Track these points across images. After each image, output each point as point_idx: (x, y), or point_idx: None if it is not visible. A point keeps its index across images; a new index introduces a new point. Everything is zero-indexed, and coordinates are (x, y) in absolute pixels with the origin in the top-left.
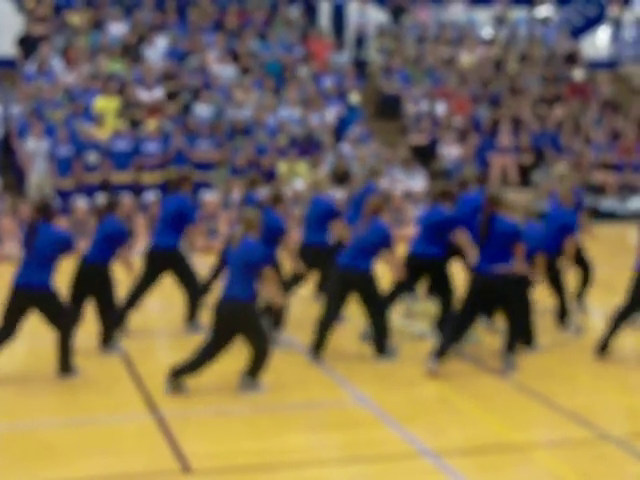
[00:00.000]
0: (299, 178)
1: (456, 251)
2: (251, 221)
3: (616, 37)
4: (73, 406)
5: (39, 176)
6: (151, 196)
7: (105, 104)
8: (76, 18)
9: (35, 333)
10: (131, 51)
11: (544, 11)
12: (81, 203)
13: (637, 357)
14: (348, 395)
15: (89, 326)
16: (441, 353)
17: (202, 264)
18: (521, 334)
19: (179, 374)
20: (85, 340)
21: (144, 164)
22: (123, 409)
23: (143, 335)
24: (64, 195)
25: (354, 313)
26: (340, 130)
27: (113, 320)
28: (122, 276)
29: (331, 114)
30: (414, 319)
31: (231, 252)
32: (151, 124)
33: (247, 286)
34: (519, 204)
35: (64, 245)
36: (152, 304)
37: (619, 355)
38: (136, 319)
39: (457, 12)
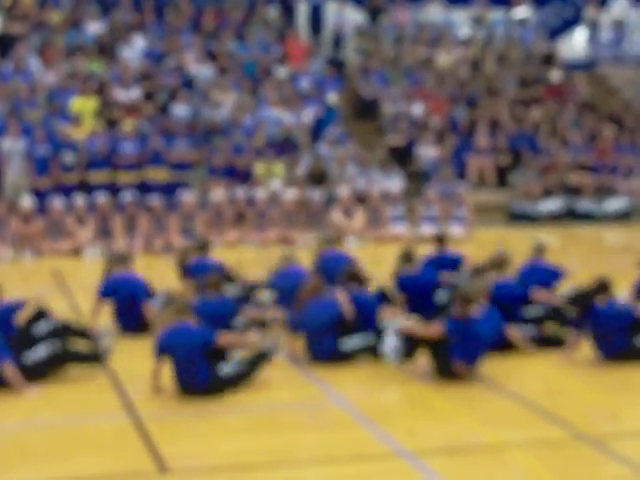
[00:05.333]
0: (276, 178)
1: None
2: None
3: (593, 38)
4: (50, 407)
5: (15, 176)
6: (128, 196)
7: (82, 104)
8: (54, 17)
9: None
10: (108, 51)
11: (521, 12)
12: (58, 203)
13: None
14: (325, 396)
15: None
16: None
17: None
18: None
19: None
20: None
21: (121, 164)
22: (100, 410)
23: (120, 335)
24: (41, 195)
25: None
26: (317, 131)
27: None
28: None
29: (308, 114)
30: None
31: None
32: (128, 124)
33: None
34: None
35: None
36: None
37: (595, 355)
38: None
39: (435, 13)
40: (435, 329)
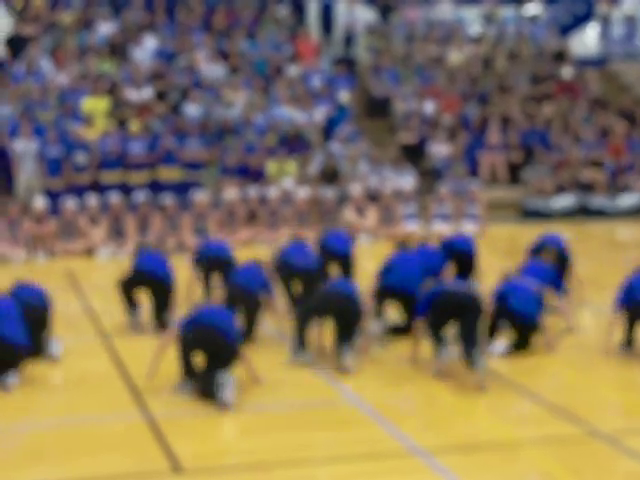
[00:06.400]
0: (288, 177)
1: None
2: None
3: (605, 34)
4: (63, 406)
5: (28, 177)
6: (140, 196)
7: (94, 104)
8: (65, 18)
9: None
10: (120, 51)
11: (533, 9)
12: (70, 203)
13: (628, 354)
14: (339, 394)
15: (79, 327)
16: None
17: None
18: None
19: None
20: (75, 340)
21: (132, 164)
22: (113, 409)
23: (133, 335)
24: (53, 195)
25: None
26: (329, 129)
27: None
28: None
29: (320, 113)
30: None
31: None
32: (135, 124)
33: None
34: None
35: None
36: (142, 304)
37: (610, 352)
38: (125, 319)
39: (446, 10)
40: None
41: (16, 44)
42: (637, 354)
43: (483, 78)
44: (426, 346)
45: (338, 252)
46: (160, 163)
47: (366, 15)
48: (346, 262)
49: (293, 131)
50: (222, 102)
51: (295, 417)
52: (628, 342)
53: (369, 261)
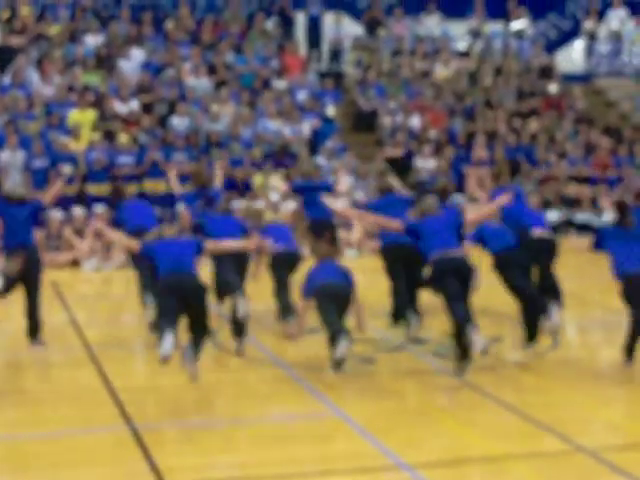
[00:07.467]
0: (274, 190)
1: None
2: None
3: (591, 51)
4: (47, 419)
5: (14, 188)
6: None
7: (80, 116)
8: (52, 29)
9: (10, 345)
10: (107, 63)
11: (519, 25)
12: (56, 215)
13: (612, 371)
14: (325, 408)
15: (64, 339)
16: None
17: None
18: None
19: None
20: (60, 352)
21: (119, 176)
22: (97, 422)
23: (118, 347)
24: None
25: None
26: (316, 143)
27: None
28: None
29: (307, 127)
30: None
31: None
32: (123, 137)
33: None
34: None
35: None
36: (126, 316)
37: (595, 368)
38: (110, 331)
39: (432, 25)
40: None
41: (2, 55)
42: (623, 370)
43: (469, 93)
44: (419, 361)
45: None
46: (146, 176)
47: (353, 29)
48: None
49: (280, 145)
50: (209, 115)
51: (280, 431)
52: (629, 352)
53: (355, 275)
